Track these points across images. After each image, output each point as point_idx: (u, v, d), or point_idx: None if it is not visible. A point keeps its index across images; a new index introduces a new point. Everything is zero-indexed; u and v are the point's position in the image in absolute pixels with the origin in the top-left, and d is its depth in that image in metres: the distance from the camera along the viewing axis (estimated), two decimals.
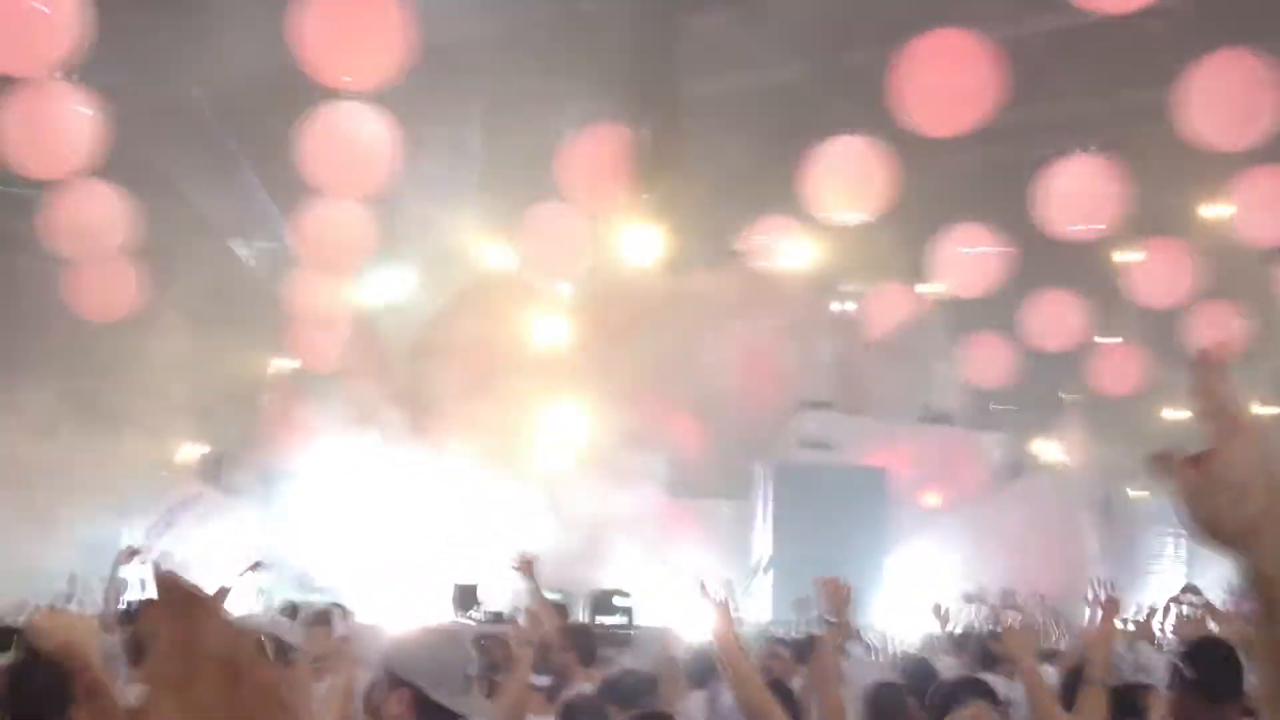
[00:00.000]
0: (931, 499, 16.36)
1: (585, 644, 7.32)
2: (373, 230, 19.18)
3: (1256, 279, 20.73)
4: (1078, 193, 19.18)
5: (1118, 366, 21.77)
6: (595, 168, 19.88)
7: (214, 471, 17.16)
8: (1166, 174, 19.65)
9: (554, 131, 20.72)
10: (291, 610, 10.52)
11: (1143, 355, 22.43)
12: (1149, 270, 20.79)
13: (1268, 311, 21.23)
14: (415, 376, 17.52)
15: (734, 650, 4.48)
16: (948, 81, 16.87)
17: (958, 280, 19.64)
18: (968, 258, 20.33)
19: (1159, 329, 22.10)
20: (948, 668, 8.76)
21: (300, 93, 17.39)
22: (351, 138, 17.60)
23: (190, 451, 17.47)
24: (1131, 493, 20.45)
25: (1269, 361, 22.47)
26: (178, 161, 20.27)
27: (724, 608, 4.48)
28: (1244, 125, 17.30)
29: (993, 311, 21.00)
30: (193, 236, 21.15)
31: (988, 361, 21.09)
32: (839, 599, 5.93)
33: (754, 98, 21.36)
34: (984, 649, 8.02)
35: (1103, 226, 19.60)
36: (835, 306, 18.73)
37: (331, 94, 17.29)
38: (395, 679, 3.33)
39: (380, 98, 17.47)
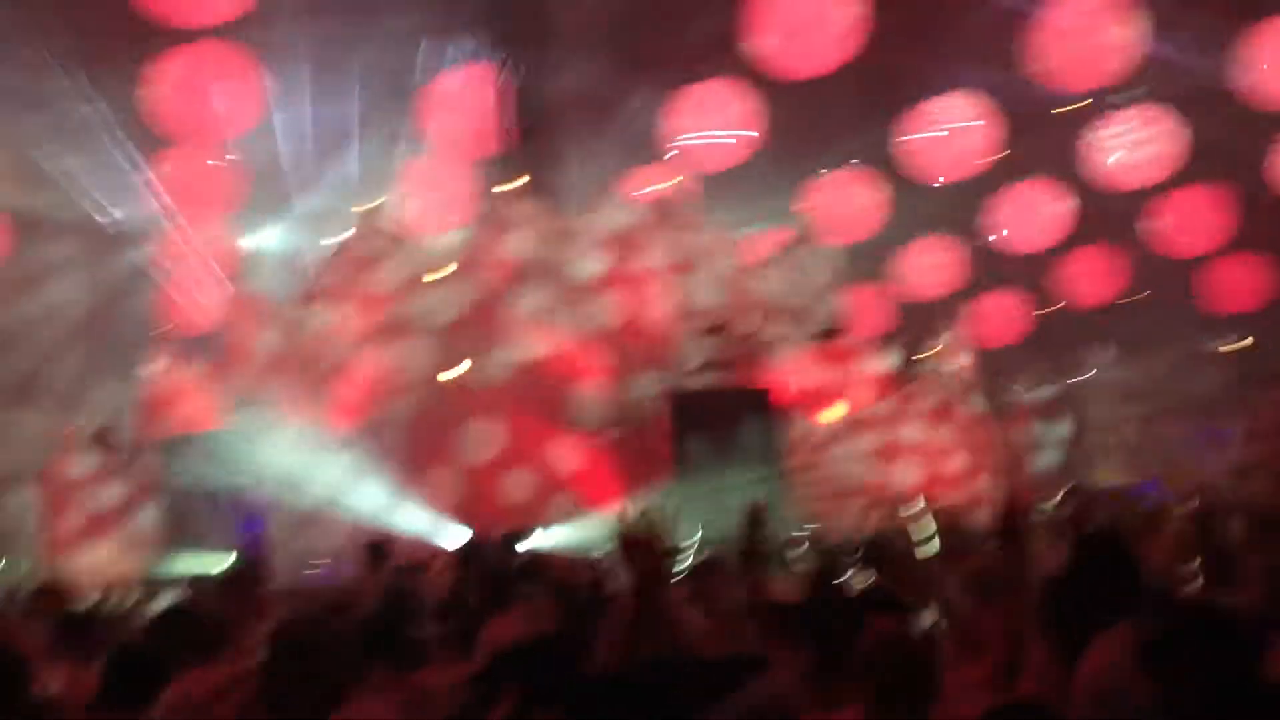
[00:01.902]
0: (830, 412, 16.59)
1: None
2: (237, 178, 18.75)
3: (1126, 221, 21.36)
4: (948, 135, 19.53)
5: (997, 314, 22.42)
6: (464, 109, 19.61)
7: (105, 443, 16.76)
8: (1037, 115, 20.05)
9: (419, 72, 20.39)
10: (198, 584, 10.37)
11: (1020, 302, 23.09)
12: (1024, 212, 21.30)
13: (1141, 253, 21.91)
14: (302, 330, 17.25)
15: (657, 587, 4.46)
16: (807, 21, 16.93)
17: (835, 223, 19.90)
18: (844, 197, 20.70)
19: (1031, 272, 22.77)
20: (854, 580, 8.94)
21: (148, 36, 16.88)
22: (207, 80, 17.17)
23: (79, 424, 17.04)
24: (1016, 389, 21.06)
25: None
26: (28, 119, 19.62)
27: (642, 543, 4.44)
28: (1091, 66, 17.68)
29: (871, 251, 21.42)
30: (56, 202, 20.55)
31: (868, 310, 21.48)
32: (758, 520, 5.96)
33: (620, 26, 21.23)
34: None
35: (973, 168, 20.02)
36: (723, 233, 18.82)
37: (181, 35, 16.78)
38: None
39: (233, 37, 17.05)
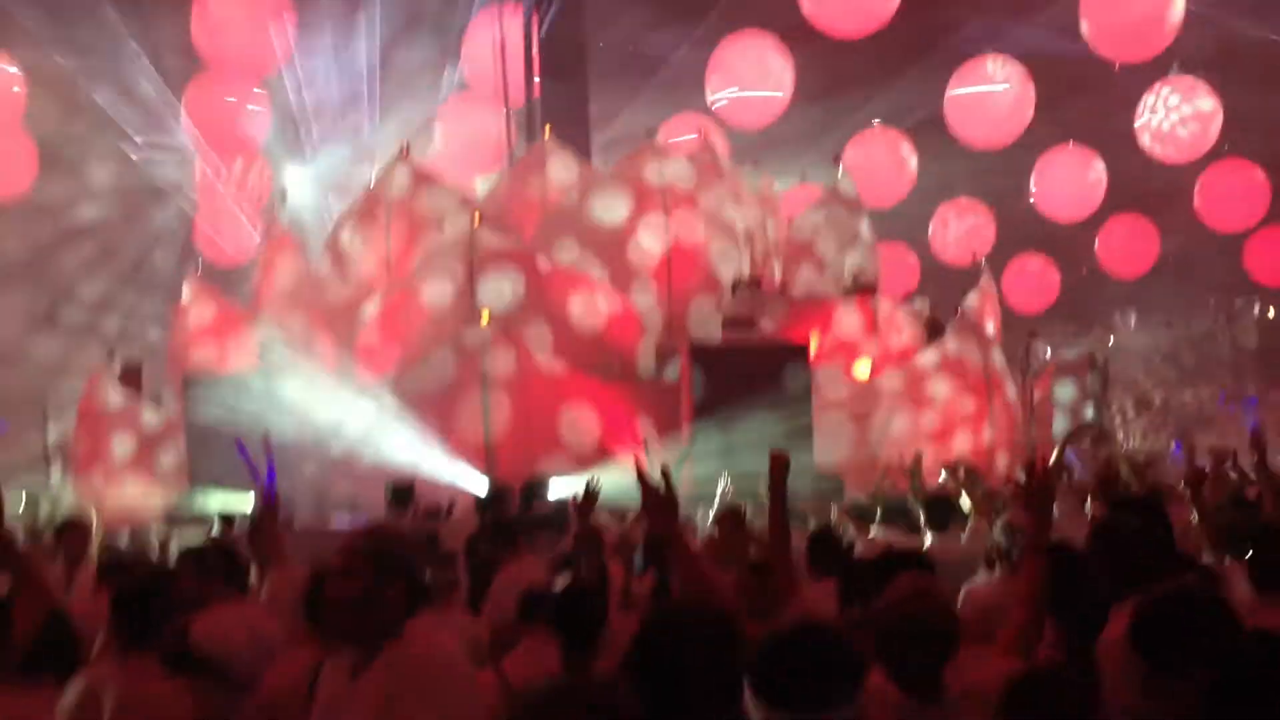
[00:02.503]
0: (860, 369, 16.53)
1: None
2: (268, 115, 18.79)
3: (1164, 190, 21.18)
4: (990, 100, 19.37)
5: (1028, 277, 22.37)
6: (497, 51, 19.53)
7: (134, 378, 16.86)
8: (1076, 84, 19.83)
9: (454, 16, 20.31)
10: (228, 521, 10.45)
11: (1051, 267, 22.97)
12: (1061, 178, 21.13)
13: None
14: (332, 269, 17.29)
15: (677, 540, 4.45)
16: None
17: (870, 181, 19.78)
18: (880, 156, 20.59)
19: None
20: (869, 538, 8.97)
21: None
22: (244, 15, 17.21)
23: (109, 359, 17.14)
24: (1043, 351, 21.02)
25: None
26: (65, 47, 19.68)
27: (661, 498, 4.42)
28: (1137, 33, 17.44)
29: (905, 210, 21.34)
30: (90, 133, 20.62)
31: (899, 269, 21.41)
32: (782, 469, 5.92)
33: None
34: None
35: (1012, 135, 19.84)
36: (757, 187, 18.71)
37: None
38: None
39: None
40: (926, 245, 22.94)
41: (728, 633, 3.16)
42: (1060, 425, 18.89)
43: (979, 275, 18.69)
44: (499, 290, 15.29)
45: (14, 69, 17.98)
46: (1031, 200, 21.87)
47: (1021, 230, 22.53)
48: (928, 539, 8.40)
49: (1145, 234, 22.45)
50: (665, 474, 4.47)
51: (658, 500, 4.42)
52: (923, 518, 8.62)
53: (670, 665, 3.08)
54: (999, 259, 22.00)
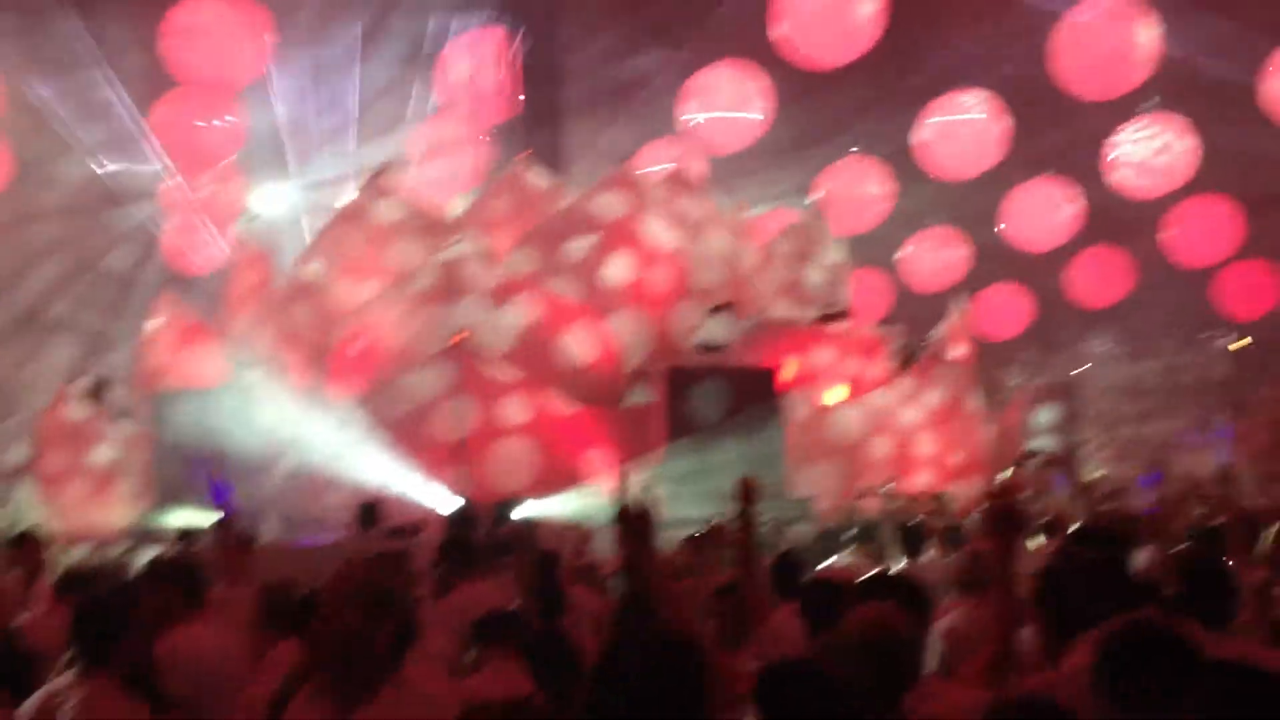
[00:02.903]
0: (829, 395, 16.54)
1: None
2: (238, 131, 18.72)
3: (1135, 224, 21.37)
4: (964, 131, 19.55)
5: (999, 306, 22.50)
6: (473, 75, 19.55)
7: (99, 394, 16.72)
8: (1047, 117, 20.01)
9: (430, 38, 20.34)
10: (190, 537, 10.35)
11: (1022, 296, 23.12)
12: (1033, 209, 21.29)
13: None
14: (305, 288, 17.20)
15: (650, 561, 4.42)
16: (829, 13, 16.89)
17: (844, 208, 19.89)
18: (854, 183, 20.72)
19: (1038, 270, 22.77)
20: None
21: None
22: (216, 27, 17.20)
23: (75, 374, 17.01)
24: (1013, 377, 21.12)
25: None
26: (29, 63, 19.61)
27: (636, 518, 4.39)
28: (1115, 74, 17.64)
29: (878, 238, 21.46)
30: (55, 151, 20.52)
31: (872, 296, 21.49)
32: (751, 494, 5.91)
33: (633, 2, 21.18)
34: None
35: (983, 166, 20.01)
36: (730, 213, 18.75)
37: None
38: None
39: None
40: (899, 271, 23.04)
41: (695, 659, 3.10)
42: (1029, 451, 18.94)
43: (952, 302, 18.76)
44: (476, 312, 15.25)
45: None
46: (1005, 228, 22.03)
47: (994, 258, 22.65)
48: (897, 564, 8.40)
49: (1117, 265, 22.61)
50: (641, 495, 4.44)
51: (632, 521, 4.39)
52: (896, 542, 8.65)
53: (634, 692, 3.01)
54: (971, 286, 22.12)
